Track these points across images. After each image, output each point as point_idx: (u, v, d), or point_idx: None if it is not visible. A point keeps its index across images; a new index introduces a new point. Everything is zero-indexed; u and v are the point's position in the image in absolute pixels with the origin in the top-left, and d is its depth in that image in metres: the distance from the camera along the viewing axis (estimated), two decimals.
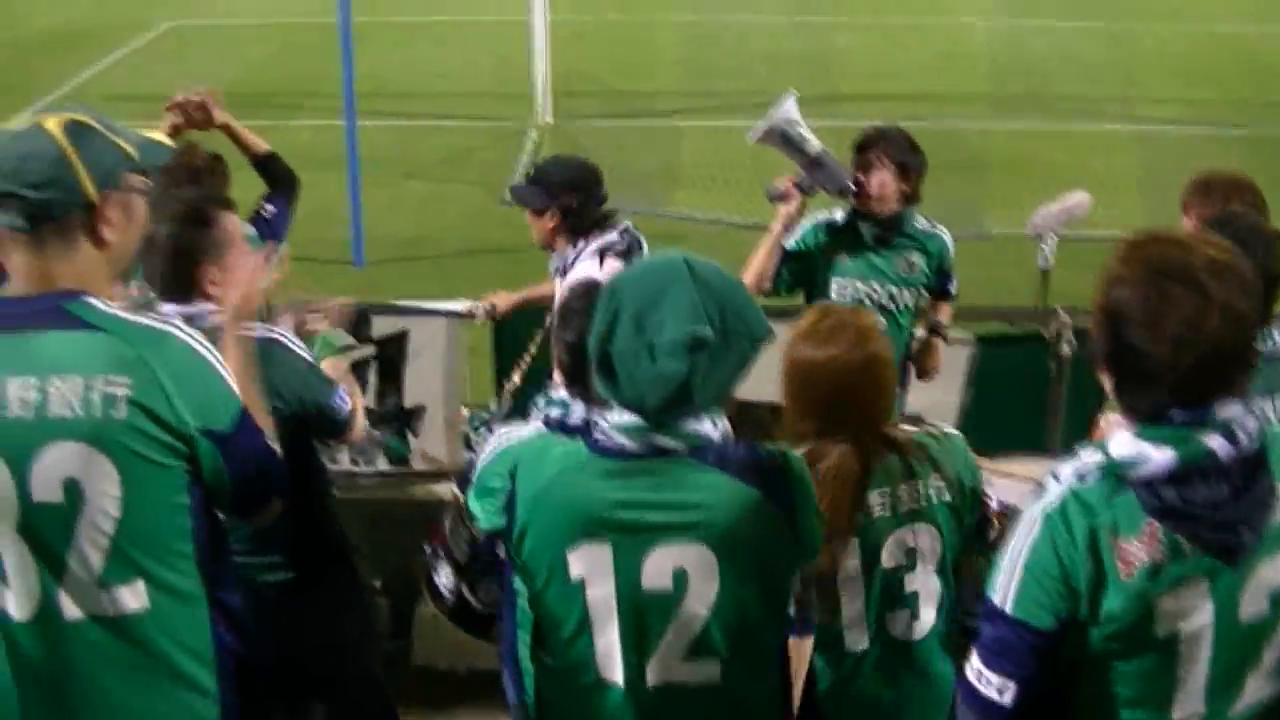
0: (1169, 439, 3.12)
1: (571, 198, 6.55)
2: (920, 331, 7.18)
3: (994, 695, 3.27)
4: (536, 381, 5.98)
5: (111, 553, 3.58)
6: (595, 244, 6.55)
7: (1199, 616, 3.18)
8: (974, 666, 3.31)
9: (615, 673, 3.61)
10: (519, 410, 6.00)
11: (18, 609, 3.63)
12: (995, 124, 17.32)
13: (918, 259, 6.96)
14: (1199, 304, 3.05)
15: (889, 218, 6.84)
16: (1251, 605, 3.21)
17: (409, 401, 7.55)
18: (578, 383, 4.35)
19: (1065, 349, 7.26)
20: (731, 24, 18.23)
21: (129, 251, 3.77)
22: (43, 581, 3.59)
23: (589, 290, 4.40)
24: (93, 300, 3.59)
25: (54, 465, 3.52)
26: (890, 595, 4.43)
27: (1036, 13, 19.91)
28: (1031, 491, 3.34)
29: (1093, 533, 3.15)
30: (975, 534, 4.58)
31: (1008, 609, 3.24)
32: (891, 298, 6.91)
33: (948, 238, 7.08)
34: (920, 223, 7.00)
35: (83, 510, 3.54)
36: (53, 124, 3.57)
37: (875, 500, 4.36)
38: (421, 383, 7.58)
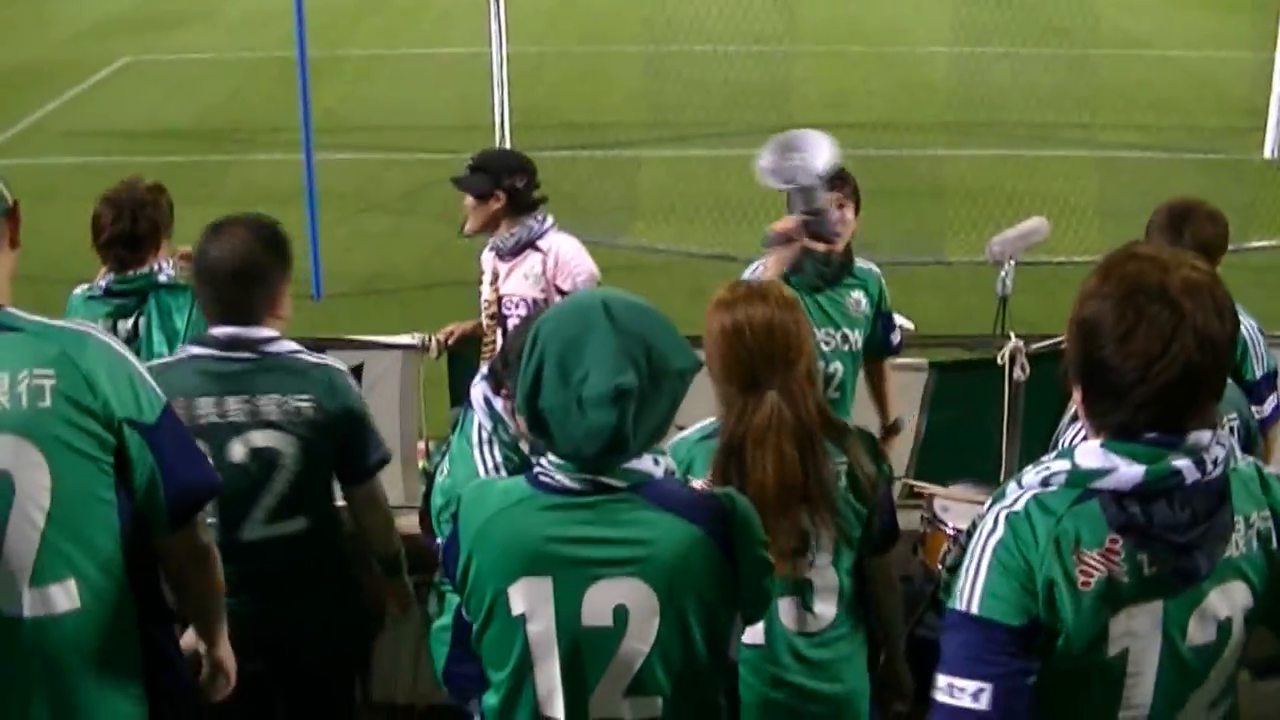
0: (1138, 455, 3.10)
1: (516, 179, 6.96)
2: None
3: (968, 703, 3.12)
4: None
5: (43, 545, 3.62)
6: (550, 222, 7.09)
7: (1149, 638, 3.16)
8: (943, 683, 3.17)
9: (556, 709, 3.58)
10: None
11: None
12: (954, 151, 17.38)
13: (862, 297, 6.66)
14: (1173, 323, 3.04)
15: (841, 257, 6.60)
16: (1199, 632, 3.20)
17: None
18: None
19: (1019, 374, 7.23)
20: (689, 54, 18.22)
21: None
22: None
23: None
24: (10, 308, 3.69)
25: None
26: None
27: (995, 41, 19.96)
28: (992, 497, 3.31)
29: (1055, 538, 3.12)
30: (880, 538, 4.59)
31: (974, 610, 3.15)
32: (845, 339, 6.59)
33: (879, 273, 6.80)
34: (859, 260, 6.74)
35: (14, 501, 3.59)
36: None
37: None
38: (376, 417, 7.54)
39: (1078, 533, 3.11)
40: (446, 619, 4.62)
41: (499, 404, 4.60)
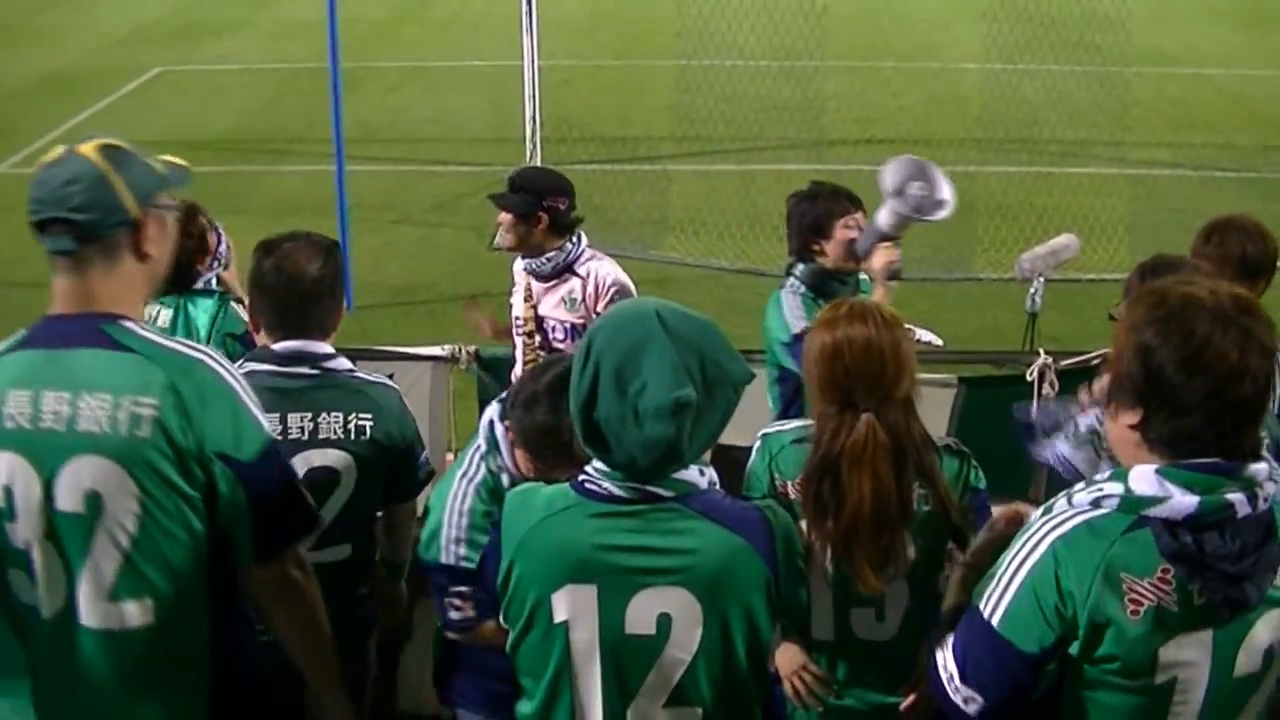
0: (1193, 484, 3.11)
1: (559, 201, 6.88)
2: None
3: (959, 702, 3.30)
4: None
5: (124, 567, 3.67)
6: (585, 244, 7.00)
7: (1198, 667, 3.18)
8: (947, 669, 3.32)
9: (595, 718, 3.58)
10: None
11: (45, 608, 3.73)
12: (985, 168, 17.34)
13: None
14: (1241, 341, 3.07)
15: (854, 272, 6.53)
16: (1246, 661, 3.22)
17: None
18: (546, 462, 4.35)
19: (1048, 390, 7.21)
20: (721, 69, 18.22)
21: (164, 267, 3.93)
22: (65, 586, 3.69)
23: (547, 368, 4.47)
24: (128, 323, 3.73)
25: (79, 477, 3.63)
26: (850, 591, 4.41)
27: (1026, 57, 19.94)
28: (1041, 510, 3.33)
29: (1106, 565, 3.13)
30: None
31: (995, 623, 3.23)
32: None
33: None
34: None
35: (102, 522, 3.64)
36: (89, 149, 3.75)
37: None
38: None
39: (1129, 561, 3.13)
40: None
41: (500, 429, 4.59)
